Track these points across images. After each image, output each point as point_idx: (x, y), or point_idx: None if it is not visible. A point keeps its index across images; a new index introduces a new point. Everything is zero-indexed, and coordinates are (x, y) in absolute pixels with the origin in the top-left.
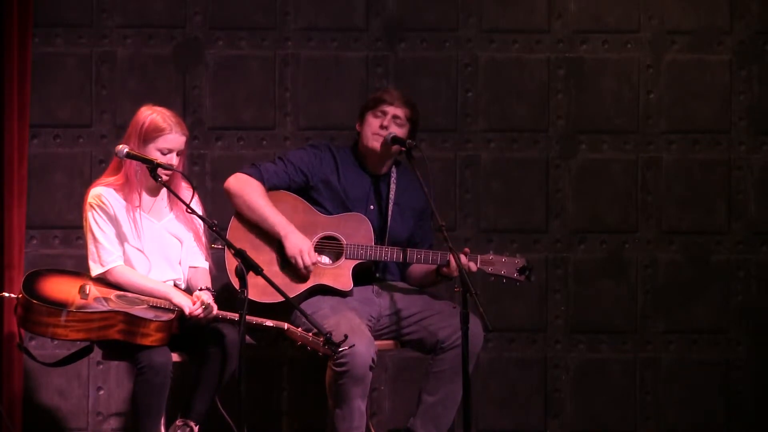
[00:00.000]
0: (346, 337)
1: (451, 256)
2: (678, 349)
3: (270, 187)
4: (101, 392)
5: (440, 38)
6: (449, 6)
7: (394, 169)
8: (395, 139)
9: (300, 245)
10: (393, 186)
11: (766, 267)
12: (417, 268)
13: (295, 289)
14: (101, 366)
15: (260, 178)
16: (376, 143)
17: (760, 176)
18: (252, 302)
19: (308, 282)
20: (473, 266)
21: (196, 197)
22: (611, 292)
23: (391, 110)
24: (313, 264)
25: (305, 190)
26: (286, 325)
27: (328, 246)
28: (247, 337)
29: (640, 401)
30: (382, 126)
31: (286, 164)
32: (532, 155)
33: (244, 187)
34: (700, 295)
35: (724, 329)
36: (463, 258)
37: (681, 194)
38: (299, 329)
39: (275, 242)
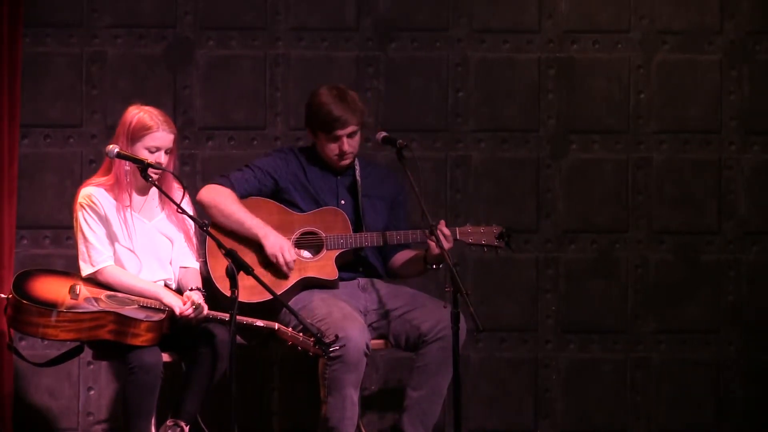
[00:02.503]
0: (337, 337)
1: (430, 241)
2: (669, 348)
3: (241, 194)
4: (92, 392)
5: (431, 38)
6: (440, 6)
7: (356, 162)
8: (386, 140)
9: (279, 243)
10: (358, 179)
11: (756, 267)
12: (399, 258)
13: (281, 286)
14: (92, 366)
15: (231, 187)
16: (344, 162)
17: (750, 176)
18: (241, 304)
19: (294, 277)
20: (448, 234)
21: (186, 197)
22: (602, 292)
23: (344, 132)
24: (294, 260)
25: (276, 194)
26: (276, 325)
27: (308, 241)
28: (238, 337)
29: (630, 401)
30: (342, 150)
31: (254, 170)
32: (522, 155)
33: (216, 196)
34: (690, 294)
35: (714, 329)
36: (443, 232)
37: (672, 194)
38: (290, 329)
39: (254, 246)
